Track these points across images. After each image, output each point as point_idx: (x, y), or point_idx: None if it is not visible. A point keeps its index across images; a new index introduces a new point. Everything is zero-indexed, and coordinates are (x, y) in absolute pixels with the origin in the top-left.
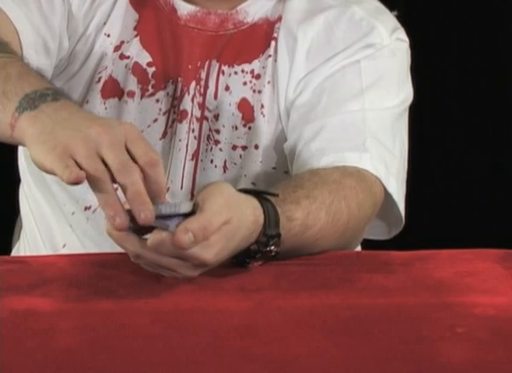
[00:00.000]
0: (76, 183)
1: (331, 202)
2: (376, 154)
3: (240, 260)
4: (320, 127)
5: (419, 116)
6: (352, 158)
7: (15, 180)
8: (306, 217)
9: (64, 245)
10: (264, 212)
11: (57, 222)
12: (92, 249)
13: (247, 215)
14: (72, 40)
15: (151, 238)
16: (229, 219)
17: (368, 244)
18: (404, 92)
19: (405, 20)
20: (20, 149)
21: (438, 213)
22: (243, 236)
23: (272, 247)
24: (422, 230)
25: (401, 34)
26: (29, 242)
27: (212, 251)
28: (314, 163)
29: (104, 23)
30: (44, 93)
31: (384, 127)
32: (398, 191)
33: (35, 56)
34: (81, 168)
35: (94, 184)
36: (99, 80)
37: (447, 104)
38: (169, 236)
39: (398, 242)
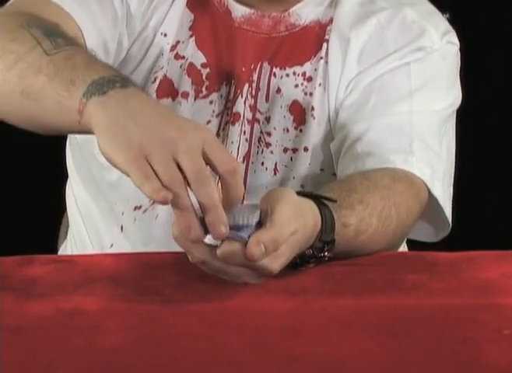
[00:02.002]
0: (162, 203)
1: (382, 208)
2: (422, 156)
3: (293, 263)
4: (366, 127)
5: (466, 119)
6: (398, 161)
7: (59, 178)
8: (360, 223)
9: (111, 245)
10: (322, 218)
11: (104, 222)
12: (139, 248)
13: (309, 223)
14: (130, 40)
15: (222, 248)
16: (296, 229)
17: (414, 244)
18: (452, 96)
19: (454, 23)
20: (68, 149)
21: (485, 214)
22: (304, 243)
23: (326, 253)
24: (469, 231)
25: (452, 37)
26: (77, 242)
27: (280, 261)
28: (359, 164)
29: (161, 23)
30: (112, 79)
31: (431, 129)
32: (443, 195)
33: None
34: (156, 173)
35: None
36: (154, 80)
37: (496, 107)
38: (240, 247)
39: (445, 243)
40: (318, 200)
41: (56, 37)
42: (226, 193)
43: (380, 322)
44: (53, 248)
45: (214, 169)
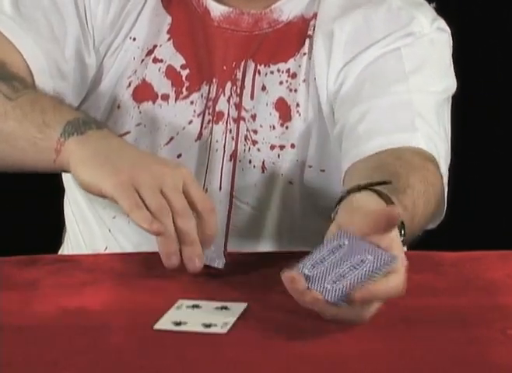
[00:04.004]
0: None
1: (424, 190)
2: (425, 133)
3: None
4: (366, 109)
5: (458, 105)
6: (403, 139)
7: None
8: (413, 207)
9: (105, 248)
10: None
11: (98, 226)
12: (132, 251)
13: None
14: (101, 53)
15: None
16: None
17: (418, 244)
18: (446, 81)
19: (442, 11)
20: None
21: (490, 214)
22: None
23: (403, 237)
24: (473, 231)
25: (442, 24)
26: (73, 245)
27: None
28: (362, 145)
29: (131, 28)
30: (87, 121)
31: (430, 109)
32: (445, 173)
33: (51, 81)
34: (143, 200)
35: (156, 216)
36: (129, 84)
37: (484, 94)
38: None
39: (449, 243)
40: (374, 188)
41: (11, 81)
42: (201, 230)
43: (385, 322)
44: (55, 249)
45: (192, 206)
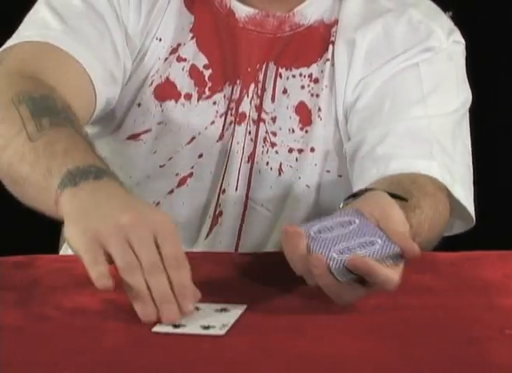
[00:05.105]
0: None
1: (432, 215)
2: (441, 161)
3: None
4: (385, 132)
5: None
6: (421, 166)
7: None
8: (417, 227)
9: None
10: None
11: None
12: None
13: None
14: (132, 58)
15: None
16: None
17: None
18: (463, 95)
19: (458, 21)
20: None
21: (488, 214)
22: None
23: None
24: (471, 231)
25: (458, 36)
26: None
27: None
28: (381, 167)
29: (157, 29)
30: (87, 170)
31: (446, 132)
32: (465, 195)
33: (104, 88)
34: (111, 256)
35: (125, 274)
36: (151, 83)
37: (498, 105)
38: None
39: (447, 243)
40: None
41: (42, 117)
42: (172, 287)
43: (384, 323)
44: (54, 249)
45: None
